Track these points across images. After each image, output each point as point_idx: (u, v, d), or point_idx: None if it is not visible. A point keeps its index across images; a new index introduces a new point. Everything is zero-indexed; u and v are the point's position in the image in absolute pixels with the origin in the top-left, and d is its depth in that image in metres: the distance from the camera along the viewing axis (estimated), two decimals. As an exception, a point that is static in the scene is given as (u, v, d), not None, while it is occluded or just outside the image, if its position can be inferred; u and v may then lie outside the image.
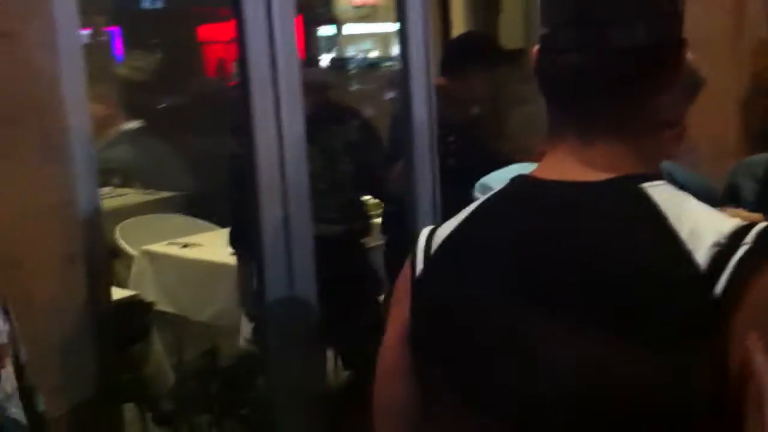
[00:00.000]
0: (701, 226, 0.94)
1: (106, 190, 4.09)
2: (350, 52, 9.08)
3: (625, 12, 0.99)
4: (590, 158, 1.03)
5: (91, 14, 6.96)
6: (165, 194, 4.08)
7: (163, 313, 3.20)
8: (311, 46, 8.06)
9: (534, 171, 1.08)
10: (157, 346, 2.81)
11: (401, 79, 2.69)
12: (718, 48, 3.31)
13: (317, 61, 7.63)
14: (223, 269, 3.13)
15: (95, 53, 6.84)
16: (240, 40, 2.23)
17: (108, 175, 4.19)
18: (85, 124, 2.00)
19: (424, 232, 1.14)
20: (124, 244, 3.57)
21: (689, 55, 1.63)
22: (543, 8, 1.05)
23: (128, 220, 3.72)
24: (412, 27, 2.62)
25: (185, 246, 3.37)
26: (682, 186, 1.53)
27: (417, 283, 1.11)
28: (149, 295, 3.26)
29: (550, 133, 1.07)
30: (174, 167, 4.08)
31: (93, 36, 7.29)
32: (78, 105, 1.96)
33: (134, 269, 3.41)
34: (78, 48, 2.00)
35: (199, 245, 3.36)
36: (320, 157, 3.00)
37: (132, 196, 4.11)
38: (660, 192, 0.98)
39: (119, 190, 4.14)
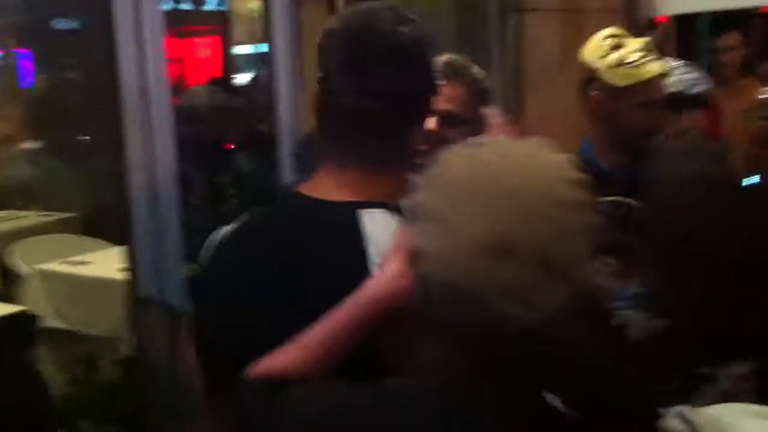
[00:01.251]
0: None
1: (4, 213, 4.21)
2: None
3: (384, 63, 1.20)
4: (342, 182, 1.23)
5: (3, 36, 7.01)
6: (62, 215, 4.19)
7: (55, 330, 3.32)
8: (228, 65, 8.17)
9: (302, 187, 1.28)
10: (44, 357, 2.92)
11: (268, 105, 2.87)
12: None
13: (230, 80, 7.72)
14: (113, 284, 3.27)
15: (5, 74, 6.89)
16: (111, 62, 2.38)
17: (10, 197, 4.30)
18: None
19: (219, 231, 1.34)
20: (19, 265, 3.67)
21: (476, 68, 1.87)
22: (320, 56, 1.25)
23: (23, 241, 3.83)
24: (278, 49, 2.81)
25: (77, 264, 3.50)
26: None
27: (196, 278, 1.33)
28: (41, 312, 3.38)
29: (323, 158, 1.27)
30: (71, 187, 4.21)
31: (4, 58, 7.32)
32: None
33: (27, 288, 3.52)
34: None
35: (91, 263, 3.49)
36: (205, 189, 3.12)
37: (30, 218, 4.21)
38: (373, 216, 1.20)
39: (19, 213, 4.25)
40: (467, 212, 0.93)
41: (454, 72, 1.93)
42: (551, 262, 0.91)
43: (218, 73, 8.13)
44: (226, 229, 1.32)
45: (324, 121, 1.27)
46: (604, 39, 2.31)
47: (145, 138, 2.42)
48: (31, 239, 3.90)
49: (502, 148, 1.01)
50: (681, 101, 2.63)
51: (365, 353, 1.09)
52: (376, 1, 1.26)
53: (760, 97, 2.14)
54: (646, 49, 2.27)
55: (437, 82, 1.30)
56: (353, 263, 1.17)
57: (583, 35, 2.51)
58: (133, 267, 2.43)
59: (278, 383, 1.06)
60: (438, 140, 1.86)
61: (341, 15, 1.26)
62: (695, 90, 2.73)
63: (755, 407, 1.02)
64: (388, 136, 1.23)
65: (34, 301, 3.46)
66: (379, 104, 1.20)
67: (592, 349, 1.06)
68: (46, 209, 4.28)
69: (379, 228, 1.18)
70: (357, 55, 1.20)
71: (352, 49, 1.21)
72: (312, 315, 1.13)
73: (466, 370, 0.96)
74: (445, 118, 1.89)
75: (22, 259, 3.73)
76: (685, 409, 0.99)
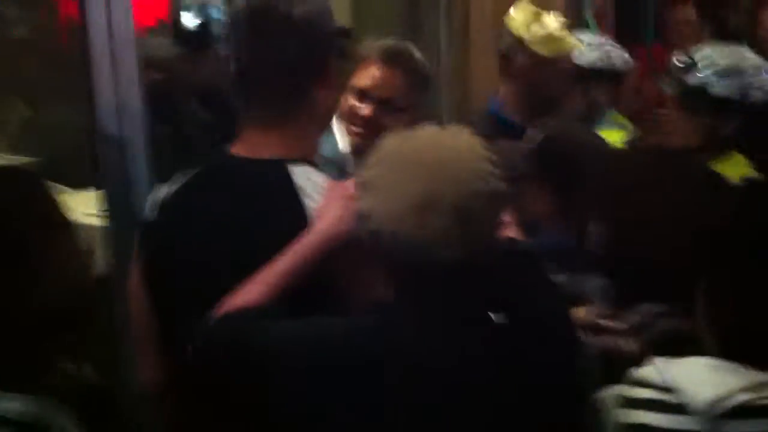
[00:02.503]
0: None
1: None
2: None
3: (283, 36, 1.41)
4: (265, 142, 1.44)
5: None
6: (23, 159, 4.19)
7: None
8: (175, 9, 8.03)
9: (233, 147, 1.49)
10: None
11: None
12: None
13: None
14: (82, 229, 3.33)
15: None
16: (80, 8, 2.42)
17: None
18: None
19: (160, 188, 1.55)
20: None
21: (418, 55, 2.04)
22: (229, 32, 1.46)
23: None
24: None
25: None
26: None
27: (144, 231, 1.54)
28: None
29: (243, 118, 1.48)
30: (32, 132, 4.21)
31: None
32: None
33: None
34: None
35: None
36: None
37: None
38: (300, 171, 1.41)
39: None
40: (400, 179, 1.21)
41: (392, 58, 2.04)
42: (467, 215, 1.19)
43: (163, 15, 7.98)
44: (166, 189, 1.48)
45: (240, 87, 1.47)
46: (527, 11, 2.63)
47: (113, 83, 2.47)
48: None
49: (428, 131, 1.31)
50: (603, 76, 3.10)
51: (316, 288, 1.31)
52: None
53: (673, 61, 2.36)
54: (565, 25, 2.65)
55: (335, 50, 1.52)
56: (292, 214, 1.37)
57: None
58: (105, 210, 2.51)
59: (249, 315, 1.27)
60: (374, 126, 1.99)
61: None
62: (619, 67, 3.16)
63: (711, 361, 1.14)
64: (296, 99, 1.44)
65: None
66: (283, 71, 1.41)
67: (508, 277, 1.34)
68: (5, 153, 4.28)
69: (308, 182, 1.38)
70: (260, 30, 1.41)
71: (256, 25, 1.42)
72: (256, 261, 1.33)
73: (410, 295, 1.26)
74: (382, 105, 1.99)
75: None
76: (660, 361, 1.14)
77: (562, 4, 3.80)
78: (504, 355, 1.23)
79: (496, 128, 2.56)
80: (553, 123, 2.17)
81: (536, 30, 2.60)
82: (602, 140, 2.14)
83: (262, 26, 1.41)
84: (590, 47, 3.11)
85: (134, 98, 2.52)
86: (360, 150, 1.49)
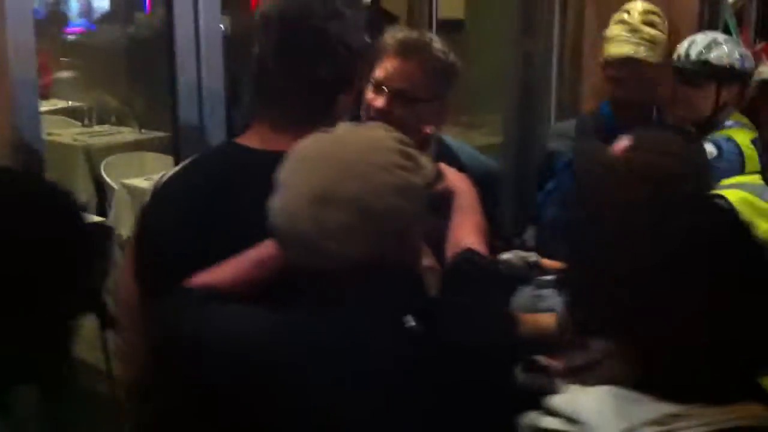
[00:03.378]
0: None
1: (101, 128, 4.54)
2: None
3: (313, 52, 1.40)
4: (274, 138, 1.43)
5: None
6: (154, 134, 4.47)
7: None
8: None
9: (241, 138, 1.49)
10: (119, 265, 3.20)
11: None
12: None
13: None
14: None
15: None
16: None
17: (106, 113, 4.63)
18: (31, 73, 2.34)
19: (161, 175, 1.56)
20: (106, 178, 3.98)
21: (438, 45, 1.95)
22: (257, 36, 1.44)
23: (113, 157, 4.14)
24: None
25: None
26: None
27: (140, 212, 1.55)
28: (127, 224, 3.68)
29: (257, 114, 1.47)
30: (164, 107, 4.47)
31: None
32: (24, 53, 2.29)
33: (114, 201, 3.82)
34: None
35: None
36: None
37: (125, 135, 4.52)
38: None
39: (115, 128, 4.56)
40: (300, 175, 1.18)
41: (406, 50, 1.97)
42: (367, 211, 1.13)
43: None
44: (169, 173, 1.50)
45: (260, 90, 1.47)
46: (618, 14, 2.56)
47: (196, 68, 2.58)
48: (121, 155, 4.20)
49: (344, 129, 1.28)
50: (732, 76, 2.68)
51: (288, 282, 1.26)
52: None
53: None
54: (627, 29, 2.51)
55: (365, 63, 1.51)
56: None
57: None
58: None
59: (211, 294, 1.28)
60: (388, 118, 1.93)
61: (277, 2, 1.45)
62: (745, 66, 2.80)
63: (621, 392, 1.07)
64: (316, 108, 1.43)
65: (120, 213, 3.77)
66: (307, 85, 1.41)
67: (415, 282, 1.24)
68: (141, 127, 4.57)
69: None
70: (290, 43, 1.41)
71: (286, 37, 1.41)
72: (237, 247, 1.33)
73: (315, 296, 1.19)
74: (396, 96, 1.94)
75: (111, 174, 4.05)
76: (571, 390, 1.08)
77: (697, 4, 3.52)
78: (411, 366, 1.14)
79: (601, 131, 2.50)
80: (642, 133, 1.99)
81: (606, 31, 2.52)
82: (696, 152, 1.90)
83: (294, 37, 1.41)
84: (721, 47, 2.83)
85: (217, 80, 2.63)
86: None
